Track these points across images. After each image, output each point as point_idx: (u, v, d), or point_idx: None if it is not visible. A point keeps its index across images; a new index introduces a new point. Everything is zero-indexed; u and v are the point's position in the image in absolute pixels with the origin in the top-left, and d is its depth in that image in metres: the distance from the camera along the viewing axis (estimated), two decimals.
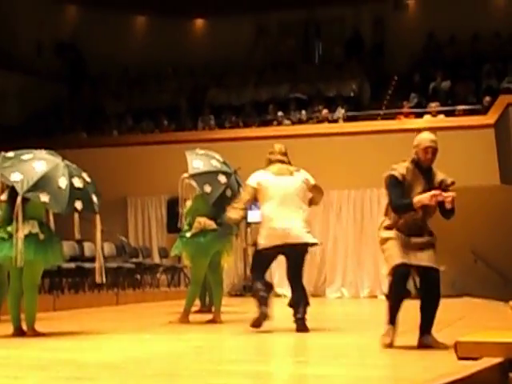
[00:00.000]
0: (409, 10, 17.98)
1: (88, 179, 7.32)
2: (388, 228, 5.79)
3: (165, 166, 14.79)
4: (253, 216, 15.02)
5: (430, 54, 16.83)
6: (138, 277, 13.64)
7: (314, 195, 7.41)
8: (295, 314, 7.29)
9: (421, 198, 5.63)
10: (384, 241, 5.75)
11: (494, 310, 10.14)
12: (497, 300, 11.54)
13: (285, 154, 7.79)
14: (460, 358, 4.88)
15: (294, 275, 7.37)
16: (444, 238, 10.80)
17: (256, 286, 7.30)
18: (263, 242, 7.25)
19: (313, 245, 7.29)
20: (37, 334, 6.95)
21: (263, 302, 7.20)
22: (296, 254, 7.23)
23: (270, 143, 15.32)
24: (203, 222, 8.19)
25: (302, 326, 7.18)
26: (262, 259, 7.38)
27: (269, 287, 7.37)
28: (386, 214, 5.82)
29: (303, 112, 15.93)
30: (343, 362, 5.37)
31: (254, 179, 7.58)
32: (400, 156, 16.08)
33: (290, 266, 7.36)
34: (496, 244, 14.20)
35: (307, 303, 7.37)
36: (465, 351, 4.88)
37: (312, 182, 7.49)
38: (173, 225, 12.39)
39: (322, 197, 7.56)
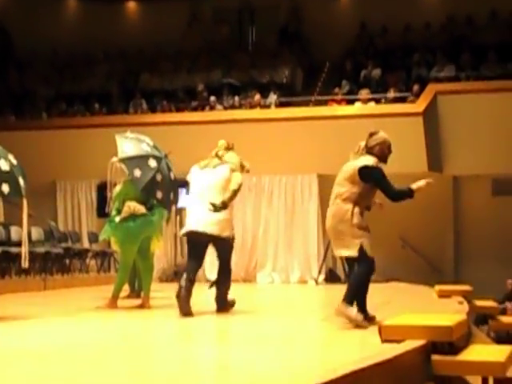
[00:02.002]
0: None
1: (14, 162, 7.18)
2: (361, 215, 6.26)
3: (95, 150, 14.58)
4: (183, 201, 15.02)
5: (362, 43, 17.00)
6: (67, 262, 13.44)
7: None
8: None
9: (419, 185, 6.44)
10: (361, 227, 6.21)
11: (420, 294, 10.34)
12: (423, 285, 11.79)
13: (225, 149, 8.16)
14: (384, 341, 4.96)
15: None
16: (373, 224, 10.99)
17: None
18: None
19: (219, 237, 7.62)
20: None
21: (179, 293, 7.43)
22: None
23: (202, 128, 15.47)
24: (133, 206, 8.11)
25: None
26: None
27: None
28: (357, 203, 6.23)
29: (236, 98, 15.92)
30: (269, 345, 5.40)
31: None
32: (330, 142, 16.35)
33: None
34: (423, 230, 14.53)
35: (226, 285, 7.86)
36: (389, 334, 4.97)
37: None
38: (103, 209, 12.26)
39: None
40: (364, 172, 6.21)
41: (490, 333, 10.53)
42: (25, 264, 7.08)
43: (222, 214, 7.49)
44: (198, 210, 7.56)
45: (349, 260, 6.37)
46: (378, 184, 6.26)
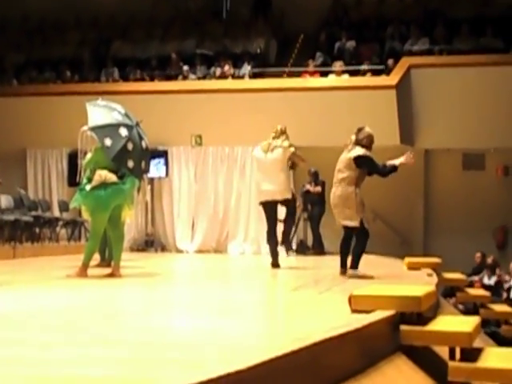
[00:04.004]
0: None
1: None
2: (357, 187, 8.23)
3: (66, 118, 14.42)
4: (156, 171, 14.98)
5: (337, 14, 16.92)
6: (37, 230, 13.35)
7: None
8: None
9: (401, 161, 8.38)
10: (361, 204, 8.19)
11: (390, 266, 10.42)
12: (393, 257, 11.88)
13: (281, 133, 9.95)
14: (353, 311, 5.00)
15: None
16: None
17: None
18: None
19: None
20: None
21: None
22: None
23: (175, 97, 15.36)
24: (104, 175, 8.04)
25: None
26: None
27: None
28: (357, 185, 8.21)
29: (209, 68, 15.81)
30: (238, 315, 5.42)
31: None
32: (304, 114, 16.31)
33: None
34: (394, 203, 14.62)
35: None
36: (358, 304, 5.01)
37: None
38: (73, 178, 12.16)
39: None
40: (358, 161, 8.17)
41: (458, 305, 10.67)
42: None
43: (283, 184, 9.68)
44: (265, 185, 9.66)
45: (349, 229, 8.28)
46: (371, 168, 8.26)
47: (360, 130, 8.38)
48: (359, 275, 8.03)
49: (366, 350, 4.44)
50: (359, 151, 8.19)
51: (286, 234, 10.75)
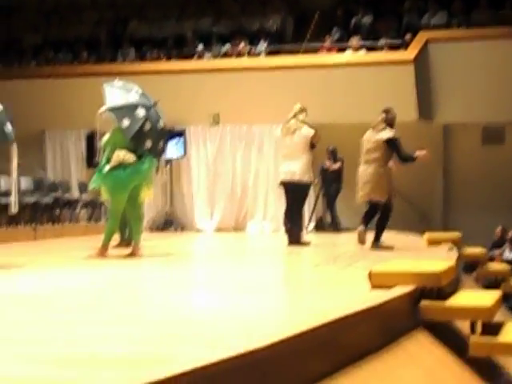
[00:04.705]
0: None
1: (0, 106, 7.10)
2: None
3: (84, 99, 14.45)
4: (174, 152, 14.99)
5: None
6: (57, 212, 13.43)
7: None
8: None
9: (418, 155, 9.06)
10: (390, 182, 8.91)
11: (410, 242, 10.40)
12: (413, 233, 11.85)
13: (300, 111, 9.95)
14: (373, 287, 5.00)
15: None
16: None
17: None
18: None
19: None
20: None
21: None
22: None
23: (191, 77, 15.33)
24: (122, 155, 8.06)
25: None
26: None
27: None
28: (386, 164, 8.86)
29: (225, 46, 15.76)
30: (259, 292, 5.44)
31: None
32: (322, 91, 16.24)
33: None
34: (412, 178, 14.52)
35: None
36: (378, 281, 5.01)
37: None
38: (92, 159, 12.21)
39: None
40: (391, 143, 8.77)
41: (479, 279, 10.63)
42: (14, 209, 7.04)
43: (303, 167, 9.70)
44: (286, 166, 9.74)
45: (375, 205, 8.96)
46: (398, 152, 8.85)
47: (388, 111, 8.95)
48: (385, 246, 8.76)
49: (387, 326, 4.45)
50: (390, 133, 8.80)
51: (296, 219, 10.00)
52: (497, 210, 14.58)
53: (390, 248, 8.74)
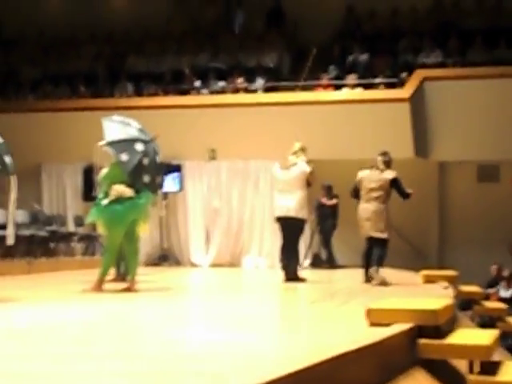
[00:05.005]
0: None
1: (0, 139, 7.12)
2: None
3: (81, 133, 14.52)
4: (171, 186, 15.01)
5: (350, 27, 16.94)
6: (52, 245, 13.40)
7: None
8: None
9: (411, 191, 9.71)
10: (389, 220, 9.59)
11: (406, 279, 10.38)
12: (408, 270, 11.84)
13: (300, 150, 10.08)
14: (371, 325, 4.99)
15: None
16: None
17: None
18: None
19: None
20: None
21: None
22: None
23: (189, 112, 15.40)
24: (120, 189, 8.08)
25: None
26: None
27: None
28: (386, 203, 9.54)
29: (222, 82, 15.86)
30: (257, 328, 5.41)
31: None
32: (317, 127, 16.31)
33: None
34: (408, 215, 14.56)
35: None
36: (376, 318, 5.00)
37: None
38: (88, 193, 12.20)
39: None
40: (395, 182, 9.50)
41: (474, 318, 10.60)
42: (10, 241, 7.02)
43: (299, 202, 9.77)
44: (282, 201, 9.79)
45: (375, 241, 9.46)
46: (401, 190, 9.60)
47: (386, 153, 9.72)
48: (382, 278, 9.21)
49: (385, 364, 4.43)
50: (393, 174, 9.58)
51: (292, 255, 10.05)
52: (492, 247, 14.59)
53: (387, 284, 9.11)
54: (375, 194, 9.51)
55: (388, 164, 9.62)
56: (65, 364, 3.78)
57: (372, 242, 9.54)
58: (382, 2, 16.41)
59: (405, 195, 9.65)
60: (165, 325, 5.62)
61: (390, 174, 9.55)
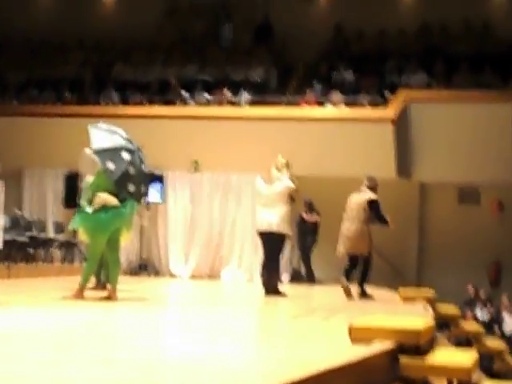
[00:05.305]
0: (318, 1, 18.18)
1: None
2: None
3: (65, 139, 14.51)
4: (153, 197, 15.00)
5: (337, 46, 17.07)
6: (32, 251, 13.33)
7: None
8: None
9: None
10: (370, 238, 10.06)
11: (384, 297, 10.43)
12: (386, 288, 11.89)
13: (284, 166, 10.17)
14: (353, 342, 5.02)
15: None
16: (339, 227, 11.09)
17: None
18: None
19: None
20: None
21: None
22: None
23: (173, 122, 15.42)
24: (105, 197, 8.07)
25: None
26: None
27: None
28: (367, 223, 10.00)
29: (209, 94, 15.90)
30: (236, 342, 5.42)
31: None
32: (301, 143, 16.36)
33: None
34: (388, 234, 14.61)
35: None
36: (357, 335, 5.02)
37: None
38: (70, 199, 12.19)
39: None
40: (372, 204, 9.94)
41: (451, 337, 10.67)
42: None
43: (282, 217, 9.85)
44: (264, 215, 9.86)
45: (356, 259, 9.98)
46: (377, 212, 9.99)
47: (371, 178, 10.21)
48: (367, 292, 9.92)
49: (366, 382, 4.46)
50: (373, 196, 10.00)
51: (273, 269, 10.04)
52: (470, 269, 14.72)
53: (372, 298, 9.90)
54: (355, 214, 9.97)
55: (372, 189, 10.07)
56: (45, 370, 3.78)
57: (352, 259, 9.98)
58: (370, 23, 16.57)
59: (381, 219, 10.02)
60: (143, 335, 5.61)
61: (368, 195, 9.99)
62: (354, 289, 9.95)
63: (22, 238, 12.91)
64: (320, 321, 6.82)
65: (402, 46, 16.36)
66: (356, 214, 9.95)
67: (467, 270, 14.70)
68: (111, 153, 8.16)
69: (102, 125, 8.69)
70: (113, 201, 8.02)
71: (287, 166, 10.10)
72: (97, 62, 17.38)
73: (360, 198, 10.05)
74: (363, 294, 9.96)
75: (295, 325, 6.72)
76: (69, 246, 14.21)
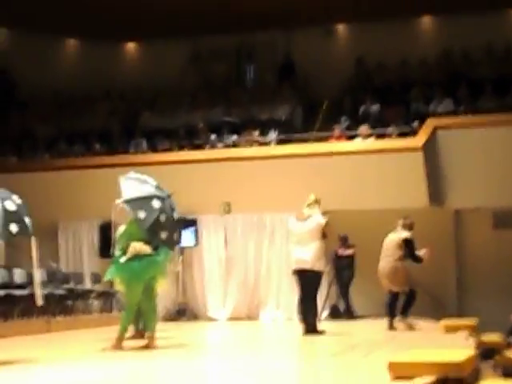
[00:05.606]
0: (338, 35, 18.28)
1: (19, 201, 7.22)
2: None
3: (97, 190, 14.63)
4: (186, 241, 15.03)
5: (360, 79, 17.12)
6: (70, 303, 13.40)
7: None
8: None
9: (424, 256, 10.83)
10: (408, 274, 10.70)
11: (426, 329, 10.31)
12: (428, 319, 11.75)
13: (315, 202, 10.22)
14: (394, 379, 4.95)
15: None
16: (377, 259, 11.02)
17: None
18: None
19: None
20: None
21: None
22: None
23: (203, 166, 15.51)
24: (138, 246, 8.13)
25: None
26: None
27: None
28: (403, 260, 10.67)
29: (236, 136, 15.99)
30: (278, 383, 5.38)
31: None
32: (332, 178, 16.34)
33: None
34: (426, 265, 14.48)
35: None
36: (398, 371, 4.96)
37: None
38: (105, 250, 12.24)
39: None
40: (406, 242, 10.59)
41: (497, 367, 10.46)
42: (39, 302, 7.07)
43: (315, 254, 9.86)
44: (297, 253, 9.90)
45: (395, 294, 10.63)
46: (411, 251, 10.63)
47: (406, 216, 10.81)
48: (409, 322, 10.43)
49: None
50: (408, 234, 10.61)
51: (310, 307, 9.98)
52: (511, 294, 14.46)
53: (414, 328, 10.42)
54: (390, 252, 10.61)
55: (407, 227, 10.69)
56: None
57: (392, 296, 10.63)
58: (392, 54, 16.61)
59: (413, 258, 10.58)
60: (183, 382, 5.58)
61: (404, 234, 10.63)
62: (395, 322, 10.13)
63: (60, 291, 12.99)
64: (360, 358, 6.74)
65: (425, 75, 16.36)
66: (391, 253, 10.54)
67: (508, 295, 14.44)
68: (142, 202, 8.22)
69: (132, 174, 8.77)
70: (146, 249, 8.06)
71: (317, 202, 10.11)
72: (124, 111, 17.60)
73: (395, 236, 10.64)
74: (406, 326, 10.39)
75: (335, 363, 6.66)
76: (106, 296, 14.26)
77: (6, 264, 13.12)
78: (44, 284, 12.75)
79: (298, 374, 6.32)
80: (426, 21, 17.99)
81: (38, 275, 7.17)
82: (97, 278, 14.10)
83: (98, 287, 14.16)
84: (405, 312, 10.60)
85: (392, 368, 5.00)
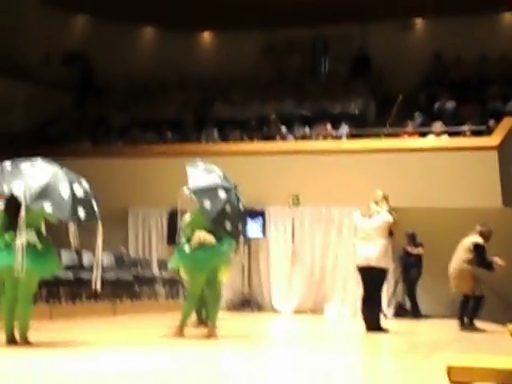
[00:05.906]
0: (416, 29, 17.99)
1: (87, 186, 7.32)
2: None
3: (168, 178, 14.75)
4: (253, 232, 15.06)
5: (437, 74, 16.81)
6: (137, 288, 13.59)
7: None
8: None
9: (496, 267, 10.88)
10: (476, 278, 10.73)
11: (492, 332, 10.09)
12: (496, 323, 11.48)
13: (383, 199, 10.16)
14: (452, 383, 4.83)
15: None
16: (448, 260, 10.86)
17: None
18: None
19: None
20: (29, 344, 6.92)
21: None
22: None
23: (273, 158, 15.48)
24: (203, 236, 8.16)
25: None
26: None
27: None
28: (472, 264, 10.65)
29: (307, 128, 15.92)
30: (336, 379, 5.33)
31: None
32: (403, 175, 16.09)
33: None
34: (498, 275, 14.16)
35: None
36: (457, 375, 4.84)
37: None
38: (173, 237, 12.38)
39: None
40: (477, 247, 10.59)
41: None
42: (97, 286, 7.18)
43: (380, 252, 9.81)
44: (363, 250, 9.86)
45: (467, 295, 10.65)
46: (479, 257, 10.60)
47: (484, 223, 10.87)
48: (475, 327, 10.42)
49: None
50: (479, 240, 10.65)
51: (373, 304, 9.92)
52: None
53: (481, 330, 10.37)
54: (461, 255, 10.64)
55: (482, 235, 10.70)
56: None
57: (464, 297, 10.74)
58: (470, 48, 16.24)
59: (483, 265, 10.58)
60: (246, 375, 5.59)
61: (475, 239, 10.64)
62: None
63: (127, 276, 13.17)
64: (421, 359, 6.63)
65: (504, 72, 15.94)
66: (461, 255, 10.62)
67: None
68: (208, 191, 8.25)
69: (199, 164, 8.81)
70: (210, 239, 8.09)
71: (385, 199, 9.98)
72: (197, 101, 17.71)
73: (468, 240, 10.71)
74: (473, 329, 10.44)
75: (396, 363, 6.56)
76: (173, 283, 14.40)
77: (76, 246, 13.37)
78: (112, 268, 12.98)
79: (357, 373, 6.25)
80: (508, 17, 17.55)
81: (99, 261, 7.26)
82: (164, 265, 14.22)
83: (165, 274, 14.31)
84: (470, 318, 10.64)
85: (450, 372, 4.87)
